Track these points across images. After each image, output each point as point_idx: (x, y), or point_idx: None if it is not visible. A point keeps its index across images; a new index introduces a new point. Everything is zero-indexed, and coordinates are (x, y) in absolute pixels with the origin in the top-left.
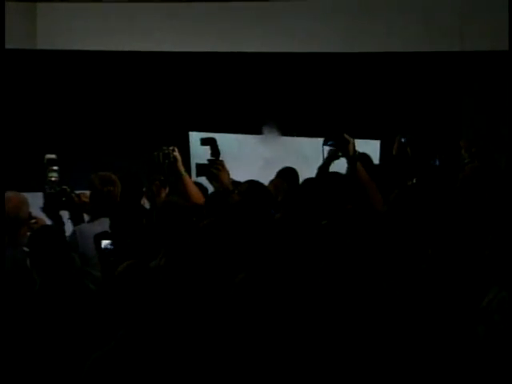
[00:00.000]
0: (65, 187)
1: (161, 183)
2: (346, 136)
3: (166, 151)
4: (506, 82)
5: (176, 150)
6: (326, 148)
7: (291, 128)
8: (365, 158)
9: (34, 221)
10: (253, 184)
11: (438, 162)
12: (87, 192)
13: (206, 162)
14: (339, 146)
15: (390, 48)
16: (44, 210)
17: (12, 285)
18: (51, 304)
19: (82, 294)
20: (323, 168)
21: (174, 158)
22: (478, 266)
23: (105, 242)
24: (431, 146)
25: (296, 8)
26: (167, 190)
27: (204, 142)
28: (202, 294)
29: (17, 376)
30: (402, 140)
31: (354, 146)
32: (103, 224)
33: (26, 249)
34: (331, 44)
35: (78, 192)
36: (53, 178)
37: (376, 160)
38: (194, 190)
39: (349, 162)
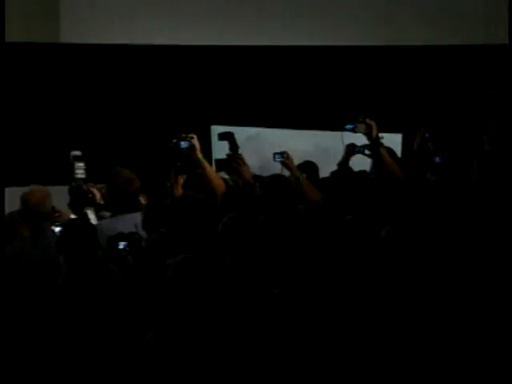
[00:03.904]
0: (90, 184)
1: (178, 169)
2: (369, 120)
3: (184, 138)
4: (506, 75)
5: (195, 137)
6: (345, 137)
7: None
8: (389, 151)
9: (57, 214)
10: (275, 177)
11: (439, 160)
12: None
13: (225, 156)
14: (360, 130)
15: (413, 41)
16: (70, 206)
17: (34, 278)
18: (74, 295)
19: (105, 286)
20: (343, 164)
21: (192, 145)
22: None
23: (121, 244)
24: (452, 141)
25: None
26: (185, 176)
27: (222, 136)
28: (224, 289)
29: (39, 365)
30: (427, 135)
31: (376, 130)
32: (123, 221)
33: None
34: (352, 37)
35: (99, 186)
36: (79, 175)
37: (398, 154)
38: (213, 176)
39: (372, 146)
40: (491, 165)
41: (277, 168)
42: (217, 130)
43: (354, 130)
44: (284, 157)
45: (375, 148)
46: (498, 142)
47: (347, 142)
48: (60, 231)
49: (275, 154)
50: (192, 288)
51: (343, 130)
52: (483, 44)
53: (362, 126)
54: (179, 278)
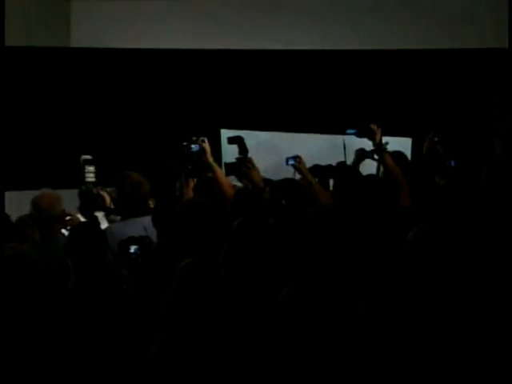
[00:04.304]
0: (100, 187)
1: (188, 173)
2: (373, 126)
3: (195, 142)
4: (506, 79)
5: (206, 140)
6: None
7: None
8: (400, 155)
9: (68, 218)
10: (285, 181)
11: (453, 164)
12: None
13: (234, 160)
14: (363, 135)
15: (422, 45)
16: (80, 209)
17: (45, 281)
18: (83, 299)
19: (115, 290)
20: (353, 168)
21: (203, 148)
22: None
23: (133, 247)
24: (462, 144)
25: (326, 4)
26: (195, 180)
27: (231, 140)
28: (234, 295)
29: (49, 368)
30: (435, 139)
31: (380, 136)
32: (133, 224)
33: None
34: (362, 41)
35: (109, 189)
36: (89, 179)
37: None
38: (224, 180)
39: (376, 151)
40: (503, 168)
41: (289, 172)
42: (227, 133)
43: (356, 135)
44: (297, 161)
45: (379, 153)
46: (509, 145)
47: (349, 146)
48: (68, 235)
49: (288, 158)
50: (199, 291)
51: (345, 134)
52: (491, 48)
53: (364, 132)
54: (186, 281)
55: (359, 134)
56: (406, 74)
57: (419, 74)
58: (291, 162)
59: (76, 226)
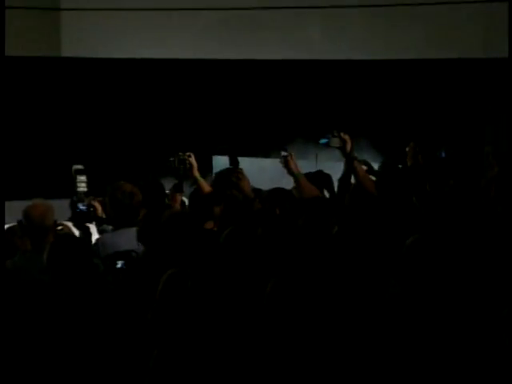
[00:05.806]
0: (91, 197)
1: (175, 188)
2: (343, 135)
3: (182, 157)
4: (506, 89)
5: (192, 156)
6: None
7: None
8: (389, 166)
9: (60, 227)
10: (274, 191)
11: (443, 154)
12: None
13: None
14: (334, 145)
15: (410, 55)
16: (72, 220)
17: (38, 291)
18: (73, 310)
19: (105, 297)
20: (344, 180)
21: (190, 163)
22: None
23: (119, 262)
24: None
25: (325, 15)
26: (182, 194)
27: (221, 151)
28: (224, 303)
29: (46, 372)
30: (416, 149)
31: (350, 145)
32: (125, 235)
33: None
34: (353, 53)
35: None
36: (81, 189)
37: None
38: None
39: (346, 160)
40: (501, 183)
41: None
42: (218, 160)
43: (328, 145)
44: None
45: (349, 162)
46: (502, 153)
47: (320, 161)
48: (49, 249)
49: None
50: (182, 301)
51: (317, 144)
52: (483, 58)
53: (336, 141)
54: (168, 293)
55: (330, 144)
56: (396, 86)
57: (408, 86)
58: (284, 153)
59: (54, 240)
